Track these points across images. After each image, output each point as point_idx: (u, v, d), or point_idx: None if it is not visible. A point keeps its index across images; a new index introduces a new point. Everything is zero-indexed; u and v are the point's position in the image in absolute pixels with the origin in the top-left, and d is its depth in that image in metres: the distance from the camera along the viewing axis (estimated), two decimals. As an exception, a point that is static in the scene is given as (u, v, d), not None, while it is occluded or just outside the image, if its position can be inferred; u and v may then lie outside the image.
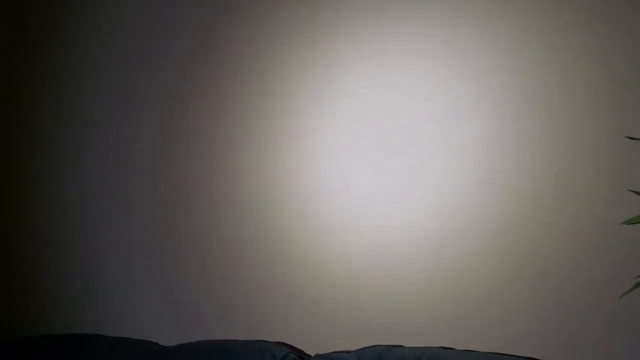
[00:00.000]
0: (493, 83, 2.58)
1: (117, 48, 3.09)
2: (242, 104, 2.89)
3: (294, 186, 2.80)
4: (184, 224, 2.94)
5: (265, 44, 2.87)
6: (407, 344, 2.58)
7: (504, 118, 2.57)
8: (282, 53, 2.84)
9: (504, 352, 2.48)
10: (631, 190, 2.28)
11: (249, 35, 2.89)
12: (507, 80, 2.57)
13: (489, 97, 2.58)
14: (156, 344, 2.80)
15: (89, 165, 3.09)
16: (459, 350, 2.50)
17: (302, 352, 2.69)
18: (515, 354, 2.46)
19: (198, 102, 2.96)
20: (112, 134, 3.07)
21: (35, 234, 3.15)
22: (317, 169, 2.78)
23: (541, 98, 2.53)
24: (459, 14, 2.63)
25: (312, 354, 2.65)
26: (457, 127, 2.62)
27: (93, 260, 3.06)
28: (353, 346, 2.63)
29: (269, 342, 2.69)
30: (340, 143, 2.75)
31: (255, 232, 2.84)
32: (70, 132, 3.13)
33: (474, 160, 2.59)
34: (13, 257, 3.16)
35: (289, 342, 2.73)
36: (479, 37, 2.61)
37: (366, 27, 2.74)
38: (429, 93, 2.65)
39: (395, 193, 2.68)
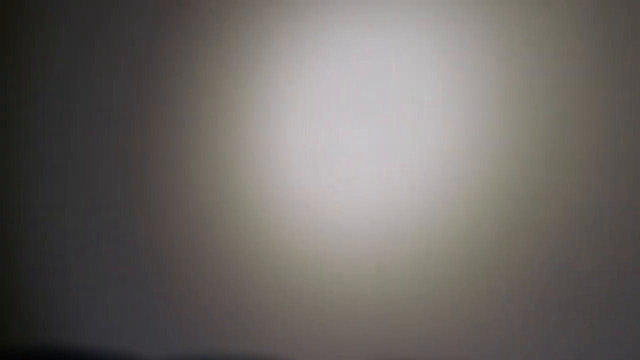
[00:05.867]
0: (492, 81, 2.54)
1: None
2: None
3: (281, 191, 2.75)
4: (173, 229, 2.87)
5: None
6: (410, 355, 2.55)
7: (501, 117, 2.53)
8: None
9: (503, 354, 2.45)
10: None
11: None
12: (503, 78, 2.53)
13: (485, 96, 2.56)
14: (140, 355, 2.75)
15: (57, 162, 3.02)
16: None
17: (299, 364, 2.65)
18: (515, 356, 2.44)
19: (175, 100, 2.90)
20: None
21: (23, 236, 3.05)
22: (306, 176, 2.73)
23: (542, 96, 2.51)
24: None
25: (312, 366, 2.62)
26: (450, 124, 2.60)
27: (79, 266, 2.96)
28: (357, 356, 2.61)
29: (265, 354, 2.67)
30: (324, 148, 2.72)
31: (248, 235, 2.78)
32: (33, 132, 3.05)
33: (477, 162, 2.55)
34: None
35: (285, 354, 2.69)
36: (472, 33, 2.58)
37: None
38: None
39: (394, 197, 2.64)
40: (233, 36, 2.86)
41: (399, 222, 2.65)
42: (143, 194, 2.92)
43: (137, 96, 2.98)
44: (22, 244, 3.05)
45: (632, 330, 2.38)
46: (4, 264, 3.05)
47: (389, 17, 2.69)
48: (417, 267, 2.63)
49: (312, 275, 2.71)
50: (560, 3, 2.52)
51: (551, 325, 2.49)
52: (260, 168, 2.79)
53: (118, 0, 3.01)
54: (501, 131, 2.57)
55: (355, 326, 2.65)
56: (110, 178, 2.97)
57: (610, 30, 2.48)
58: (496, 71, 2.58)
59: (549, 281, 2.47)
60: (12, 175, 3.09)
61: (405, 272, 2.63)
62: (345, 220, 2.69)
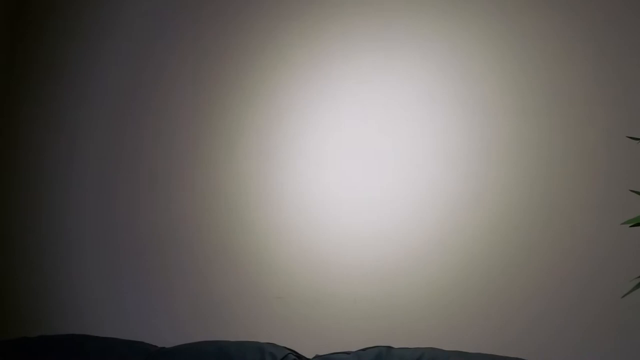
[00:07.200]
0: (486, 84, 2.59)
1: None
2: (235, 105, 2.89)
3: (289, 187, 2.81)
4: (181, 224, 2.93)
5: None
6: (407, 344, 2.56)
7: (501, 119, 2.57)
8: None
9: (505, 354, 2.46)
10: (632, 191, 2.27)
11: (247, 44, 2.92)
12: (504, 82, 2.57)
13: (486, 98, 2.58)
14: (154, 345, 2.78)
15: (73, 164, 3.08)
16: (460, 351, 2.48)
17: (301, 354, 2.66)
18: (517, 355, 2.44)
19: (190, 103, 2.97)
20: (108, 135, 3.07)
21: (27, 235, 3.12)
22: (311, 172, 2.80)
23: (540, 99, 2.53)
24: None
25: (311, 355, 2.63)
26: (455, 131, 2.62)
27: (89, 262, 3.03)
28: (353, 347, 2.61)
29: (269, 343, 2.65)
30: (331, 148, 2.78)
31: (252, 232, 2.84)
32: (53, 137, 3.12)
33: (473, 164, 2.59)
34: (5, 257, 3.13)
35: (288, 344, 2.68)
36: (473, 40, 2.62)
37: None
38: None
39: (393, 195, 2.69)
40: (238, 50, 2.95)
41: (399, 219, 2.67)
42: (147, 194, 2.99)
43: (150, 102, 3.03)
44: (32, 242, 3.10)
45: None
46: (20, 260, 3.11)
47: (391, 26, 2.74)
48: (414, 266, 2.67)
49: (312, 272, 2.77)
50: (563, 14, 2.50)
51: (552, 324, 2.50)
52: (263, 170, 2.85)
53: (122, 6, 3.05)
54: (512, 142, 2.57)
55: (348, 320, 2.70)
56: (116, 177, 3.02)
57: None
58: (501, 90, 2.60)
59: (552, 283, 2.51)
60: (16, 175, 3.14)
61: (402, 269, 2.67)
62: (347, 220, 2.75)
